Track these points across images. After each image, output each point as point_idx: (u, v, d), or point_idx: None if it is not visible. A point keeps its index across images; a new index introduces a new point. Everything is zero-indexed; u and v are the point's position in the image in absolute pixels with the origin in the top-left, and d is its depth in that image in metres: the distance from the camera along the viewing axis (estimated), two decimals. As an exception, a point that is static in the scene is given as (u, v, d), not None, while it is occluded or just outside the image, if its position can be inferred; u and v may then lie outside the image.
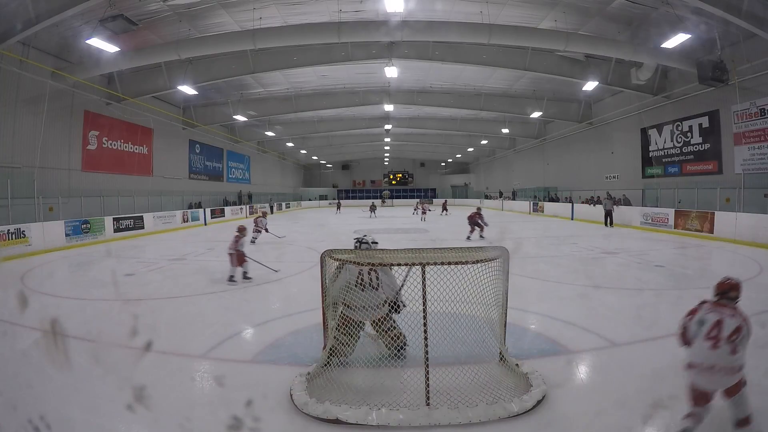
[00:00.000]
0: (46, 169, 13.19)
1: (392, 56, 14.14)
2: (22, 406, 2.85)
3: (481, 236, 12.35)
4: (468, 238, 12.24)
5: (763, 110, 12.02)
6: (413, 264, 3.22)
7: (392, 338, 3.50)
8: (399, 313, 3.54)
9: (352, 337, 3.39)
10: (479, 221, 12.45)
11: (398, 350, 3.48)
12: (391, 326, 3.51)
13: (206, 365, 3.68)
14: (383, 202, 44.39)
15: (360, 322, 3.47)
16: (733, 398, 2.44)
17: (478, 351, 3.45)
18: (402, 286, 3.49)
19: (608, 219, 15.91)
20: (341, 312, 3.45)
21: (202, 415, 2.82)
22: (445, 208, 26.39)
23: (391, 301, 3.52)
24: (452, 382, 3.07)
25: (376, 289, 3.42)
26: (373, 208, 25.70)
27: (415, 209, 24.76)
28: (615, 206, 16.13)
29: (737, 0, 9.54)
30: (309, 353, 3.70)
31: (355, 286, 3.41)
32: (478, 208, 13.14)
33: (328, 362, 3.35)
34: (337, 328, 3.36)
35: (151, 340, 4.07)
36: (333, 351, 3.33)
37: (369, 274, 3.41)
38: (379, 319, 3.45)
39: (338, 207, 32.02)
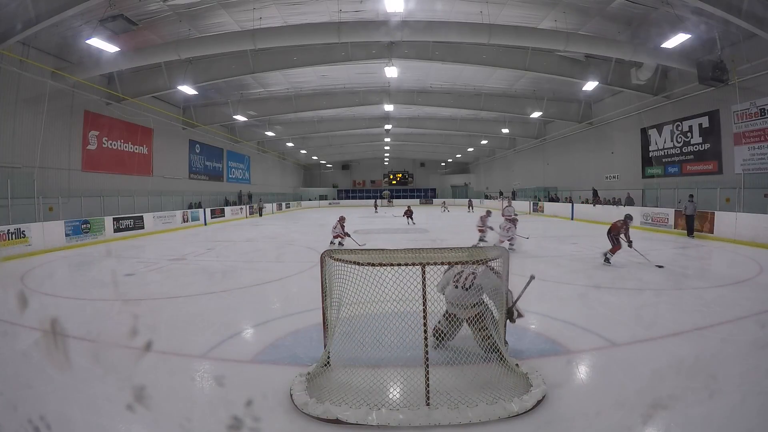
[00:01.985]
0: (46, 169, 13.20)
1: (392, 56, 14.14)
2: (22, 406, 2.85)
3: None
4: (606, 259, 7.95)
5: (763, 110, 12.02)
6: (413, 264, 3.23)
7: (482, 339, 3.51)
8: (513, 322, 3.70)
9: (449, 328, 3.72)
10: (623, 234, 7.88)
11: (485, 352, 3.45)
12: (483, 327, 3.50)
13: (206, 365, 3.68)
14: (389, 201, 44.30)
15: (454, 316, 3.68)
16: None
17: (478, 351, 3.46)
18: (519, 297, 3.65)
19: (690, 227, 12.04)
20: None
21: (202, 415, 2.82)
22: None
23: (504, 308, 3.58)
24: (452, 382, 3.07)
25: (466, 290, 3.57)
26: (409, 213, 19.15)
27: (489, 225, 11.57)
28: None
29: (737, 0, 9.54)
30: (309, 353, 3.70)
31: (452, 281, 3.67)
32: (628, 216, 8.30)
33: (327, 362, 3.35)
34: (443, 316, 3.75)
35: (151, 340, 4.07)
36: (434, 332, 3.72)
37: (467, 276, 3.62)
38: (470, 318, 3.53)
39: (376, 207, 27.10)
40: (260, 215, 27.40)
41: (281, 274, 7.66)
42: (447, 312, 3.75)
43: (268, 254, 10.88)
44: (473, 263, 3.34)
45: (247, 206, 26.73)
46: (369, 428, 2.61)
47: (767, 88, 11.73)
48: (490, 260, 3.35)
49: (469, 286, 3.56)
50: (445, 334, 3.77)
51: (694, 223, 12.19)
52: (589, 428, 2.65)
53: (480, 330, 3.51)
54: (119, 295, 6.39)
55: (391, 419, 2.64)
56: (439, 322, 3.79)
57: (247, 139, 28.02)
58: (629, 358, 3.63)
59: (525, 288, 3.67)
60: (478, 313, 3.50)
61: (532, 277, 3.70)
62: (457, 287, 3.61)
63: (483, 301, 3.55)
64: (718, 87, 12.50)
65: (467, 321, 3.62)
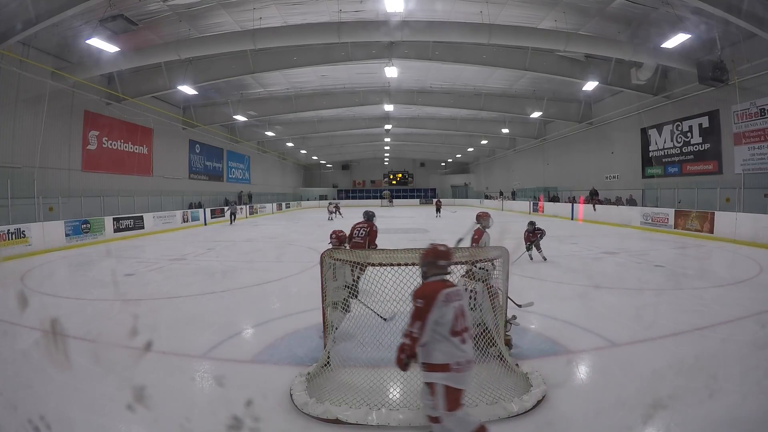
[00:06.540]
0: (46, 169, 13.19)
1: (392, 56, 14.14)
2: (22, 406, 2.85)
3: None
4: None
5: (763, 110, 12.02)
6: (413, 264, 3.23)
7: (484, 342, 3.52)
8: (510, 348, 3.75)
9: None
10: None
11: (484, 352, 3.44)
12: (490, 343, 3.50)
13: (206, 365, 3.68)
14: (390, 201, 44.28)
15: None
16: None
17: (478, 351, 3.45)
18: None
19: None
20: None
21: (202, 415, 2.82)
22: None
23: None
24: (452, 382, 3.05)
25: (473, 310, 3.54)
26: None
27: None
28: None
29: (737, 0, 9.54)
30: (309, 353, 3.71)
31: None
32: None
33: (327, 362, 3.35)
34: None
35: (151, 340, 4.07)
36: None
37: (469, 295, 3.54)
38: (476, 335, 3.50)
39: (333, 211, 23.31)
40: (231, 222, 20.84)
41: (281, 274, 7.66)
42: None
43: (268, 254, 10.88)
44: (473, 263, 3.34)
45: (247, 206, 26.55)
46: (369, 428, 2.61)
47: (767, 88, 11.73)
48: (489, 260, 3.35)
49: (473, 307, 3.57)
50: None
51: None
52: (589, 428, 2.64)
53: (486, 346, 3.51)
54: (119, 295, 6.39)
55: (391, 419, 2.65)
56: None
57: (247, 139, 28.01)
58: (629, 358, 3.63)
59: (504, 323, 3.73)
60: (482, 331, 3.50)
61: (514, 316, 3.90)
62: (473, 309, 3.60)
63: (483, 321, 3.56)
64: (718, 87, 12.49)
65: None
